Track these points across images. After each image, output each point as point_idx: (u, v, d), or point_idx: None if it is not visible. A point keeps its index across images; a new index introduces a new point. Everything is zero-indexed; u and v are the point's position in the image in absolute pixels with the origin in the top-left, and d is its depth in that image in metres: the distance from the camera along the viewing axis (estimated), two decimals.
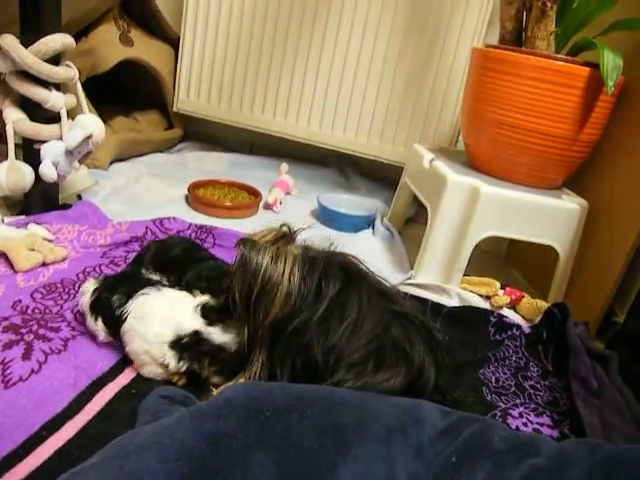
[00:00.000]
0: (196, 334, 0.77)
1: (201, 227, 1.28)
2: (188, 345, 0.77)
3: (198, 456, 0.52)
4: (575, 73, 1.13)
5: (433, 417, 0.62)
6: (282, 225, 0.81)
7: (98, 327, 0.82)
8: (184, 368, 0.77)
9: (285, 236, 0.80)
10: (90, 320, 0.83)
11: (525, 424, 0.85)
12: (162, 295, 0.82)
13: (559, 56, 1.16)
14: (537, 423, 0.86)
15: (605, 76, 1.05)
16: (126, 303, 0.80)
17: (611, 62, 1.06)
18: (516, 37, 1.26)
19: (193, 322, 0.78)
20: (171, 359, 0.77)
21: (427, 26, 1.68)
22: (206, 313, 0.79)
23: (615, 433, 0.81)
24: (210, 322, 0.78)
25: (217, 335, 0.78)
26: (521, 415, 0.87)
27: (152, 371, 0.79)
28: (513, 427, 0.83)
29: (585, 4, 1.18)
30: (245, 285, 0.74)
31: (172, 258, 0.97)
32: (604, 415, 0.85)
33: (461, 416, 0.64)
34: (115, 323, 0.80)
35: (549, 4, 1.15)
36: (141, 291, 0.81)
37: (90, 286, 0.85)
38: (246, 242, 0.75)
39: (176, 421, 0.56)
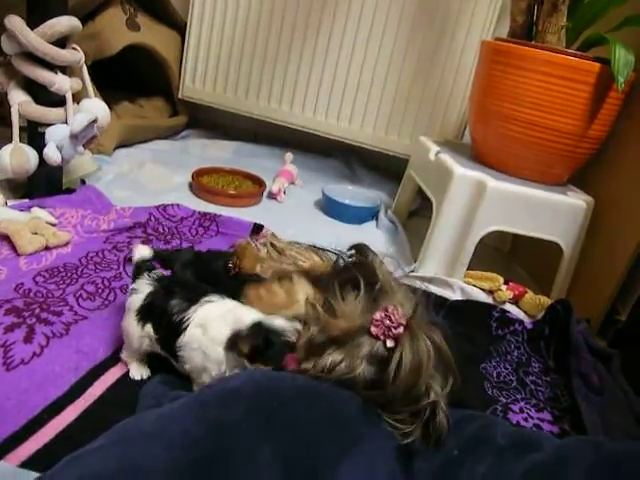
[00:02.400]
0: (257, 325, 0.68)
1: (205, 214, 1.27)
2: (245, 338, 0.67)
3: (202, 444, 0.51)
4: (585, 68, 1.11)
5: None
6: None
7: (144, 333, 0.74)
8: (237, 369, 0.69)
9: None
10: (133, 324, 0.74)
11: (526, 419, 0.85)
12: (226, 302, 0.75)
13: (570, 51, 1.15)
14: (538, 419, 0.86)
15: (616, 72, 1.04)
16: (187, 309, 0.72)
17: (622, 58, 1.05)
18: (526, 31, 1.25)
19: (253, 315, 0.70)
20: (227, 365, 0.69)
21: (436, 18, 1.66)
22: None
23: (616, 431, 0.81)
24: None
25: (280, 322, 0.69)
26: (522, 410, 0.87)
27: None
28: (514, 422, 0.83)
29: None
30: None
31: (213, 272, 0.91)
32: (605, 412, 0.85)
33: (464, 413, 0.64)
34: (171, 331, 0.72)
35: None
36: (205, 298, 0.73)
37: (144, 286, 0.76)
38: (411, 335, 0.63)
39: (181, 408, 0.56)
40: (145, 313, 0.74)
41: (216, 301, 0.74)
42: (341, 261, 0.93)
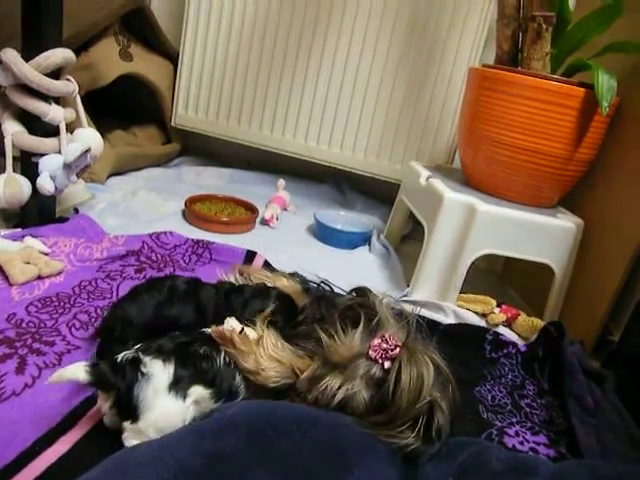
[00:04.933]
0: None
1: (198, 242, 1.28)
2: None
3: (197, 475, 0.51)
4: (570, 93, 1.14)
5: None
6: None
7: (190, 400, 0.65)
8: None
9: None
10: (172, 403, 0.64)
11: (521, 443, 0.85)
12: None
13: (555, 77, 1.18)
14: (533, 442, 0.85)
15: (600, 97, 1.07)
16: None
17: (606, 83, 1.07)
18: (512, 57, 1.27)
19: None
20: None
21: (424, 45, 1.70)
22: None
23: (612, 453, 0.81)
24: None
25: None
26: (517, 434, 0.86)
27: None
28: (509, 446, 0.83)
29: (580, 26, 1.20)
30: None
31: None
32: (600, 435, 0.85)
33: (457, 440, 0.64)
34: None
35: (545, 26, 1.16)
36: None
37: (154, 367, 0.65)
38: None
39: (176, 438, 0.56)
40: (183, 383, 0.65)
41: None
42: (321, 288, 0.96)
